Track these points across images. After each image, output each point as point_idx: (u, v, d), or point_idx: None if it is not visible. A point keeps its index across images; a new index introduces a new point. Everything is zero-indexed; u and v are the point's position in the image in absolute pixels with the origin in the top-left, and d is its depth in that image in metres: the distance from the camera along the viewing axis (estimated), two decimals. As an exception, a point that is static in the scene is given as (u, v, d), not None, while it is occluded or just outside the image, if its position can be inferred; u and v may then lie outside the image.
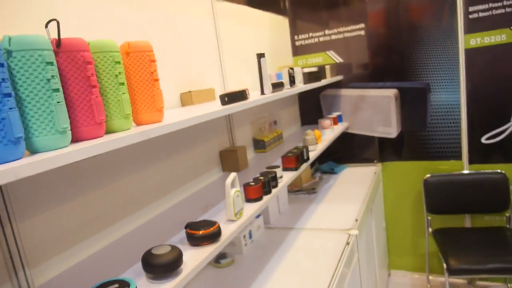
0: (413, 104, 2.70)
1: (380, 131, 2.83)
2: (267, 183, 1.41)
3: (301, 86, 1.94)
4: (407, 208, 2.83)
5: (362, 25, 2.72)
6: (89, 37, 1.15)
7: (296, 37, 2.94)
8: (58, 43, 0.69)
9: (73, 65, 0.70)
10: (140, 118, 0.90)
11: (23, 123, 0.63)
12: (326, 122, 2.52)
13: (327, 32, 2.84)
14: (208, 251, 1.00)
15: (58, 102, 0.65)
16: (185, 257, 0.97)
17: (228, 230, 1.11)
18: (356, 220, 1.90)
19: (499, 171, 2.49)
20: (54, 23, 0.71)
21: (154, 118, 0.91)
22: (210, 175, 1.78)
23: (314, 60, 2.93)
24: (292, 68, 1.82)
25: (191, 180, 1.64)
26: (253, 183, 1.36)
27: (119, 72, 0.81)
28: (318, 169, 2.93)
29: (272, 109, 2.50)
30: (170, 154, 1.51)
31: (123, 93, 0.81)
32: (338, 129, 2.64)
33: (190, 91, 1.53)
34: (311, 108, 3.04)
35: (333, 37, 2.83)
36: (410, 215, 2.84)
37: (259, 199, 1.35)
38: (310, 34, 2.89)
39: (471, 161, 2.60)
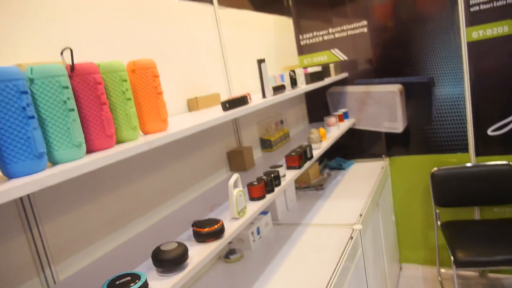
0: (418, 99, 2.73)
1: (387, 126, 2.87)
2: (269, 182, 1.50)
3: (303, 87, 2.01)
4: (416, 201, 2.87)
5: (364, 22, 2.77)
6: (101, 54, 1.26)
7: (300, 36, 3.01)
8: (72, 68, 0.79)
9: (85, 86, 0.81)
10: (147, 128, 1.00)
11: (44, 139, 0.73)
12: (332, 119, 2.59)
13: (330, 30, 2.89)
14: (212, 247, 1.10)
15: (73, 120, 0.75)
16: (191, 253, 1.07)
17: (232, 227, 1.21)
18: (361, 215, 1.97)
19: (506, 162, 2.51)
20: (68, 50, 0.81)
21: (159, 128, 1.01)
22: (219, 175, 1.88)
23: (319, 59, 2.99)
24: (293, 71, 1.89)
25: (200, 180, 1.74)
26: (256, 183, 1.45)
27: (126, 89, 0.91)
28: (327, 166, 3.00)
29: (278, 109, 2.58)
30: (179, 157, 1.61)
31: (130, 107, 0.91)
32: (344, 126, 2.70)
33: (196, 97, 1.63)
34: (319, 105, 3.10)
35: (337, 35, 2.88)
36: (419, 209, 2.88)
37: (262, 197, 1.44)
38: (314, 33, 2.96)
39: (478, 153, 2.63)
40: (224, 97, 1.95)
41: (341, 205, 2.16)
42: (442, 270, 2.85)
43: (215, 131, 1.87)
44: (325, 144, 2.21)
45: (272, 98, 1.63)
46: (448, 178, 2.65)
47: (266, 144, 2.29)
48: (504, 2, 2.38)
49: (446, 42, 2.56)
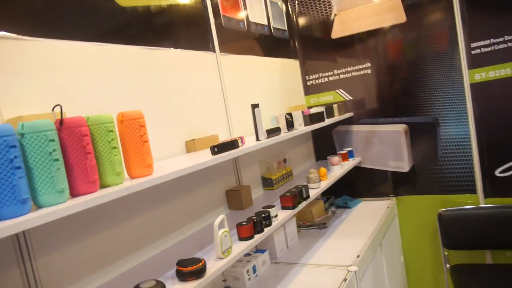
0: (423, 139, 2.74)
1: (393, 165, 2.88)
2: (259, 222, 1.55)
3: (301, 129, 2.09)
4: (425, 242, 2.82)
5: (368, 64, 2.86)
6: (105, 103, 1.39)
7: (307, 77, 3.12)
8: (61, 122, 0.90)
9: (72, 138, 0.91)
10: (133, 173, 1.10)
11: (30, 185, 0.83)
12: (335, 159, 2.63)
13: (335, 71, 2.99)
14: (193, 285, 1.15)
15: (57, 169, 0.85)
16: (172, 291, 1.13)
17: (215, 267, 1.26)
18: (358, 256, 1.96)
19: (516, 204, 2.45)
20: (58, 107, 0.92)
21: (144, 172, 1.10)
22: (217, 213, 1.94)
23: (325, 98, 3.07)
24: (289, 113, 1.98)
25: (197, 218, 1.81)
26: (245, 223, 1.50)
27: (112, 139, 1.01)
28: (333, 204, 3.01)
29: (281, 148, 2.65)
30: (177, 196, 1.69)
31: (115, 155, 1.01)
32: (348, 165, 2.73)
33: (193, 139, 1.73)
34: (325, 144, 3.15)
35: (342, 76, 2.97)
36: (428, 250, 2.81)
37: (250, 237, 1.49)
38: (320, 74, 3.06)
39: (487, 195, 2.58)
40: (224, 138, 2.04)
41: (341, 245, 2.16)
42: (454, 316, 2.74)
43: (214, 170, 1.95)
44: (324, 184, 2.25)
45: (265, 141, 1.71)
46: (456, 219, 2.60)
47: (267, 183, 2.35)
48: (506, 46, 2.42)
49: (450, 83, 2.60)
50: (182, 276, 1.18)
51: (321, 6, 2.97)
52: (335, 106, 2.73)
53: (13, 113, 1.10)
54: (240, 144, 1.57)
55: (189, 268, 1.18)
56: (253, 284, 1.87)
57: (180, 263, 1.22)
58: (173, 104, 1.74)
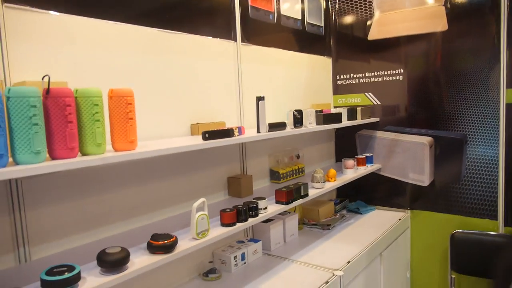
0: (448, 155, 2.61)
1: (412, 177, 2.78)
2: (243, 211, 1.59)
3: (311, 127, 2.08)
4: (435, 261, 2.71)
5: (401, 70, 2.75)
6: (111, 80, 1.49)
7: (338, 76, 3.07)
8: (47, 91, 1.00)
9: (56, 106, 1.01)
10: (116, 146, 1.18)
11: (12, 144, 0.94)
12: (350, 162, 2.59)
13: (367, 74, 2.91)
14: (158, 259, 1.23)
15: (35, 132, 0.95)
16: (138, 260, 1.21)
17: (185, 246, 1.33)
18: (348, 262, 1.95)
19: (537, 238, 2.28)
20: (47, 77, 1.02)
21: (126, 147, 1.19)
22: (216, 197, 2.01)
23: (353, 100, 3.01)
24: (298, 110, 1.98)
25: (195, 198, 1.88)
26: (228, 210, 1.55)
27: (96, 112, 1.10)
28: (346, 207, 2.97)
29: (297, 144, 2.66)
30: (178, 173, 1.78)
31: (97, 127, 1.10)
32: (364, 170, 2.67)
33: (197, 123, 1.80)
34: (348, 145, 3.10)
35: (373, 79, 2.89)
36: (437, 270, 2.70)
37: (231, 224, 1.54)
38: (351, 75, 3.00)
39: (508, 223, 2.42)
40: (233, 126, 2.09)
41: (336, 249, 2.15)
42: None
43: (219, 155, 2.01)
44: (330, 185, 2.23)
45: (266, 134, 1.74)
46: (469, 243, 2.47)
47: (274, 176, 2.38)
48: (552, 66, 2.23)
49: (484, 100, 2.44)
50: (151, 249, 1.26)
51: (362, 6, 2.89)
52: (358, 109, 2.67)
53: (21, 77, 1.22)
54: (236, 133, 1.61)
55: (159, 243, 1.26)
56: (240, 270, 1.93)
57: (154, 236, 1.30)
58: (182, 87, 1.81)
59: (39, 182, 1.28)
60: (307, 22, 2.77)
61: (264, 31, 2.35)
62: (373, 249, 2.20)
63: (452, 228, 2.56)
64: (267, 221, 2.20)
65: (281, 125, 1.85)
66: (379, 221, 2.65)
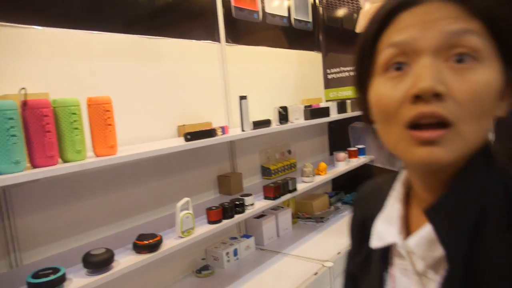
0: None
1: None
2: (229, 208, 1.64)
3: (298, 122, 2.11)
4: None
5: (389, 62, 2.76)
6: (95, 89, 1.54)
7: (328, 70, 3.09)
8: (25, 103, 1.05)
9: (34, 117, 1.06)
10: (96, 152, 1.24)
11: (-8, 155, 0.99)
12: (341, 155, 2.63)
13: (357, 67, 2.93)
14: (143, 258, 1.28)
15: (13, 143, 1.00)
16: (123, 259, 1.27)
17: (170, 244, 1.38)
18: (338, 253, 1.99)
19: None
20: (24, 90, 1.07)
21: (107, 152, 1.23)
22: (207, 195, 2.06)
23: (345, 93, 3.03)
24: (283, 107, 2.02)
25: (185, 197, 1.93)
26: (214, 208, 1.60)
27: (74, 120, 1.15)
28: (341, 199, 3.00)
29: (288, 139, 2.69)
30: (167, 174, 1.83)
31: (76, 135, 1.15)
32: (356, 162, 2.70)
33: (184, 125, 1.85)
34: (342, 138, 3.12)
35: (362, 72, 2.91)
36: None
37: (218, 221, 1.59)
38: (341, 68, 3.02)
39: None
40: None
41: (328, 241, 2.19)
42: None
43: (208, 154, 2.06)
44: (320, 179, 2.27)
45: (249, 132, 1.78)
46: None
47: (266, 172, 2.42)
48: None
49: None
50: (137, 248, 1.31)
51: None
52: (348, 101, 2.69)
53: (3, 91, 1.27)
54: (219, 133, 1.65)
55: (144, 242, 1.31)
56: (233, 265, 1.98)
57: (139, 237, 1.35)
58: (168, 90, 1.85)
59: (26, 190, 1.34)
60: (294, 19, 2.79)
61: (249, 30, 2.38)
62: (365, 240, 2.24)
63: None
64: (260, 216, 2.25)
65: (265, 123, 1.89)
66: (373, 212, 2.68)
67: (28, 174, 1.00)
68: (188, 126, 1.86)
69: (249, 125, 1.80)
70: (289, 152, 2.63)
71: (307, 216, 2.63)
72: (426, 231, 0.50)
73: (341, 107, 2.65)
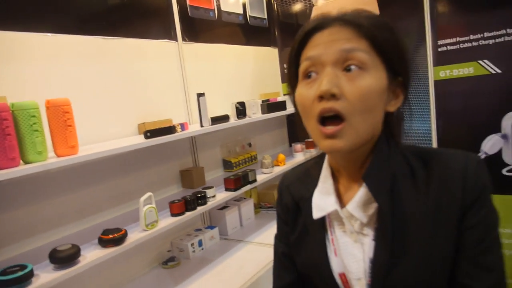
0: (388, 131, 2.83)
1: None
2: (192, 201, 1.72)
3: (255, 117, 2.22)
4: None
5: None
6: (54, 91, 1.56)
7: (285, 65, 3.21)
8: (-17, 108, 1.08)
9: (-7, 121, 1.09)
10: (58, 152, 1.28)
11: (-47, 160, 1.02)
12: (298, 146, 2.77)
13: (311, 61, 3.07)
14: (109, 251, 1.34)
15: (-26, 147, 1.03)
16: (89, 254, 1.32)
17: (135, 237, 1.45)
18: (297, 238, 2.12)
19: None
20: (-17, 94, 1.10)
21: (68, 152, 1.28)
22: (170, 190, 2.12)
23: (301, 87, 3.17)
24: (241, 102, 2.11)
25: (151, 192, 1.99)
26: (177, 201, 1.68)
27: (34, 123, 1.19)
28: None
29: (248, 133, 2.79)
30: (131, 170, 1.88)
31: (37, 137, 1.19)
32: (313, 152, 2.85)
33: (144, 123, 1.90)
34: (301, 130, 3.26)
35: (317, 66, 3.06)
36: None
37: (181, 214, 1.67)
38: (297, 63, 3.15)
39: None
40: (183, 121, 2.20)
41: (288, 227, 2.32)
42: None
43: (170, 150, 2.12)
44: (278, 169, 2.39)
45: (208, 128, 1.87)
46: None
47: (227, 165, 2.52)
48: (470, 45, 2.46)
49: (415, 78, 2.66)
50: (102, 243, 1.37)
51: (301, -4, 3.03)
52: (304, 95, 2.83)
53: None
54: (179, 130, 1.73)
55: (109, 236, 1.37)
56: (198, 256, 2.06)
57: (105, 232, 1.41)
58: (126, 89, 1.90)
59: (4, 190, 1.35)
60: (250, 16, 2.89)
61: (206, 28, 2.45)
62: (322, 224, 2.39)
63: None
64: (224, 208, 2.35)
65: (223, 118, 1.98)
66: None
67: (-10, 176, 1.04)
68: (148, 123, 1.91)
69: (208, 121, 1.88)
70: (250, 145, 2.74)
71: (269, 205, 2.76)
72: (359, 196, 0.67)
73: (298, 100, 2.78)
